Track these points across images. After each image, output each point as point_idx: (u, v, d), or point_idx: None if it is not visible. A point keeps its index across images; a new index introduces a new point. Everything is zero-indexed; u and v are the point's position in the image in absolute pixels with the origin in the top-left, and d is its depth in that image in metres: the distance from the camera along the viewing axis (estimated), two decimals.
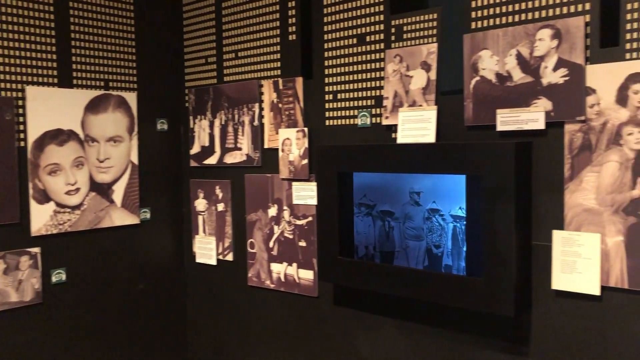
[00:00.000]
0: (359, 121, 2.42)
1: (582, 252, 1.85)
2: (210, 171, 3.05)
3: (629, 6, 1.75)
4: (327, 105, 2.55)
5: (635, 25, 1.74)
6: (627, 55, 1.76)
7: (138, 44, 3.04)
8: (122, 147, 2.96)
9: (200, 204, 3.11)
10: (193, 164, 3.14)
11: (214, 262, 3.07)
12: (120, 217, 2.96)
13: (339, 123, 2.51)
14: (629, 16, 1.75)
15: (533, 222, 1.97)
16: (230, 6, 2.93)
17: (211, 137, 3.03)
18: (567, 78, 1.86)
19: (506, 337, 2.03)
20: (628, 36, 1.76)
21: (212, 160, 3.03)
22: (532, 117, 1.93)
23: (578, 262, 1.86)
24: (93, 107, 2.84)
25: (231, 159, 2.93)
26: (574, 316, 1.89)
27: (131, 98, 2.99)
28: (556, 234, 1.91)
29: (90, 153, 2.83)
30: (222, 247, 3.02)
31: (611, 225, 1.80)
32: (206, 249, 3.09)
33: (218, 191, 3.02)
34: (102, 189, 2.88)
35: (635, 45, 1.75)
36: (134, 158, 3.01)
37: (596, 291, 1.83)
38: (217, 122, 2.99)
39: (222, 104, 2.96)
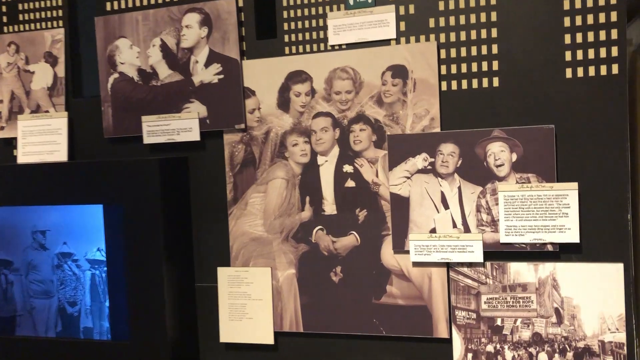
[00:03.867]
0: None
1: (252, 292, 1.49)
2: None
3: None
4: None
5: (292, 13, 1.44)
6: (287, 50, 1.46)
7: None
8: None
9: None
10: None
11: None
12: None
13: None
14: (285, 2, 1.45)
15: (195, 258, 1.55)
16: None
17: None
18: (221, 76, 1.48)
19: None
20: (286, 26, 1.45)
21: None
22: (184, 126, 1.51)
23: (248, 306, 1.49)
24: None
25: None
26: None
27: None
28: (222, 272, 1.52)
29: None
30: None
31: (282, 256, 1.48)
32: None
33: None
34: None
35: (294, 37, 1.45)
36: None
37: (270, 340, 1.48)
38: None
39: None
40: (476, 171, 1.32)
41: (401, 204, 1.37)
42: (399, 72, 1.36)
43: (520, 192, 1.28)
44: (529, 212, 1.28)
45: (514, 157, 1.29)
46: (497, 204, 1.30)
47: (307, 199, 1.45)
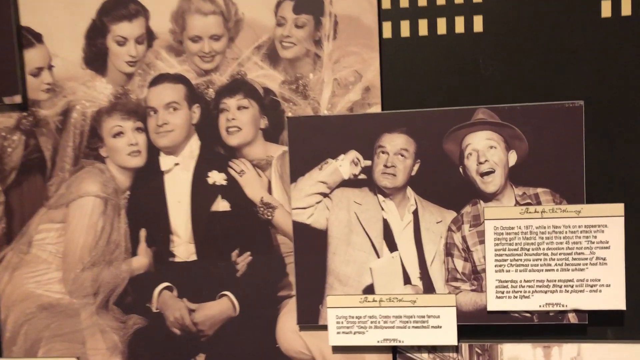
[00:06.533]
0: None
1: None
2: None
3: None
4: None
5: None
6: None
7: None
8: None
9: None
10: None
11: None
12: None
13: None
14: None
15: None
16: None
17: None
18: None
19: None
20: None
21: None
22: None
23: None
24: None
25: None
26: None
27: None
28: None
29: None
30: None
31: (98, 335, 0.82)
32: None
33: None
34: None
35: None
36: None
37: None
38: None
39: None
40: (445, 184, 0.73)
41: (313, 241, 0.76)
42: (307, 2, 0.75)
43: (524, 222, 0.72)
44: (538, 255, 0.72)
45: (513, 158, 0.72)
46: (481, 242, 0.73)
47: (143, 233, 0.80)
